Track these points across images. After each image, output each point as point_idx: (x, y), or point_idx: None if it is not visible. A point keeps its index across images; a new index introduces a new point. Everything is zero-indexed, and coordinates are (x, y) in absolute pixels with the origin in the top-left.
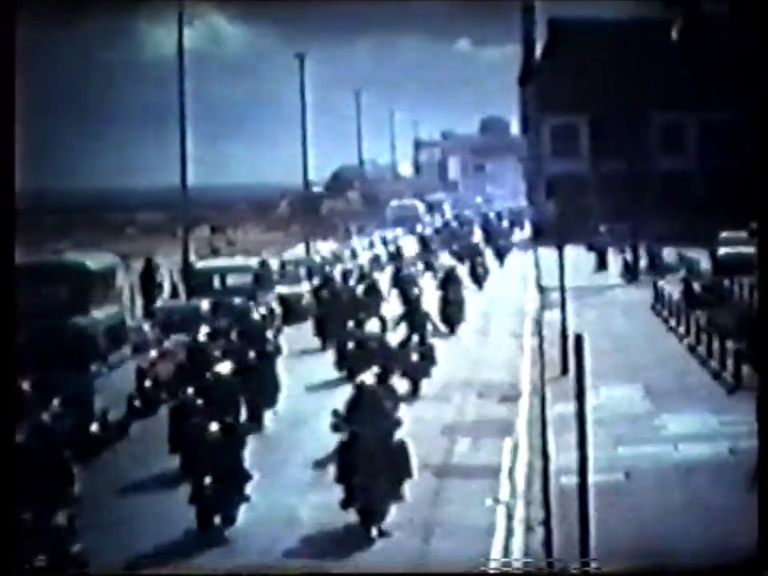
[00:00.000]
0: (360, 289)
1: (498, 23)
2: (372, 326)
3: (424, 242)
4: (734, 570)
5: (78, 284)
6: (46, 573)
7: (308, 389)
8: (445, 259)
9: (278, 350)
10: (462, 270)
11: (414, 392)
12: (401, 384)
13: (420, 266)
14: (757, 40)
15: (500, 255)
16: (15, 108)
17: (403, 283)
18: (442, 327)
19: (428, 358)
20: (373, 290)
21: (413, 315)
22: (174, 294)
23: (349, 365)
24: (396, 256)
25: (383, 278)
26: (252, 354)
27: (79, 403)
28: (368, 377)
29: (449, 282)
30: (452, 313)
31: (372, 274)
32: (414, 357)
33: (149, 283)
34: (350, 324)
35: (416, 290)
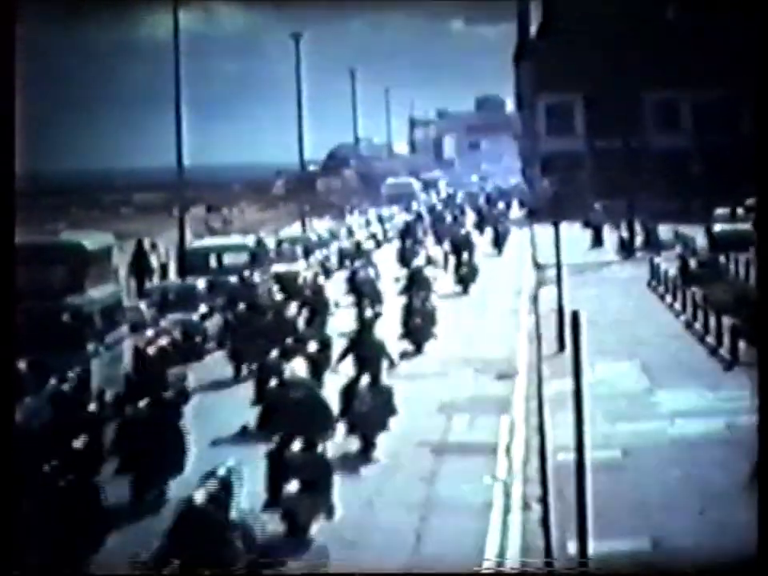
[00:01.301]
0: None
1: (494, 2)
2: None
3: (407, 229)
4: (733, 570)
5: (75, 264)
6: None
7: None
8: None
9: (183, 396)
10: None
11: (366, 451)
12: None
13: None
14: (759, 18)
15: (498, 243)
16: (15, 91)
17: (360, 290)
18: (405, 348)
19: (383, 406)
20: (316, 302)
21: (362, 345)
22: (164, 275)
23: (265, 417)
24: (354, 252)
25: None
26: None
27: (76, 383)
28: (210, 483)
29: (414, 285)
30: (417, 327)
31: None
32: (366, 403)
33: (140, 265)
34: (274, 354)
35: (369, 311)
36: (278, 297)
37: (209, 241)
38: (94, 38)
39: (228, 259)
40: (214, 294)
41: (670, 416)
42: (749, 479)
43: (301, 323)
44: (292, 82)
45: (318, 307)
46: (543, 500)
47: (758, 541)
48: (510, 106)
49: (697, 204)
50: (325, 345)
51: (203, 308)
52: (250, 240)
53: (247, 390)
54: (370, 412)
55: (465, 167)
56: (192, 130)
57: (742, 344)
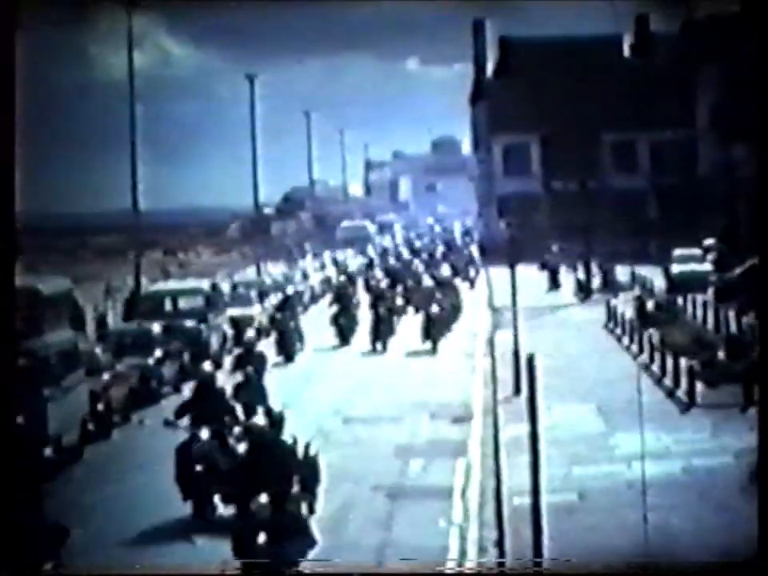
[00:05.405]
0: None
1: (449, 42)
2: None
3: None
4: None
5: (31, 308)
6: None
7: None
8: None
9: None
10: None
11: None
12: None
13: None
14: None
15: (429, 334)
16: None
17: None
18: None
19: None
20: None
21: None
22: (101, 324)
23: None
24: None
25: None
26: None
27: (33, 427)
28: None
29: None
30: None
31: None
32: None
33: (72, 316)
34: None
35: None
36: None
37: (164, 284)
38: (47, 79)
39: (183, 303)
40: (169, 338)
41: (626, 459)
42: (748, 482)
43: None
44: (247, 124)
45: None
46: (499, 543)
47: (758, 542)
48: (466, 147)
49: (654, 245)
50: None
51: (159, 352)
52: (205, 284)
53: None
54: None
55: (420, 209)
56: (147, 172)
57: (699, 386)
